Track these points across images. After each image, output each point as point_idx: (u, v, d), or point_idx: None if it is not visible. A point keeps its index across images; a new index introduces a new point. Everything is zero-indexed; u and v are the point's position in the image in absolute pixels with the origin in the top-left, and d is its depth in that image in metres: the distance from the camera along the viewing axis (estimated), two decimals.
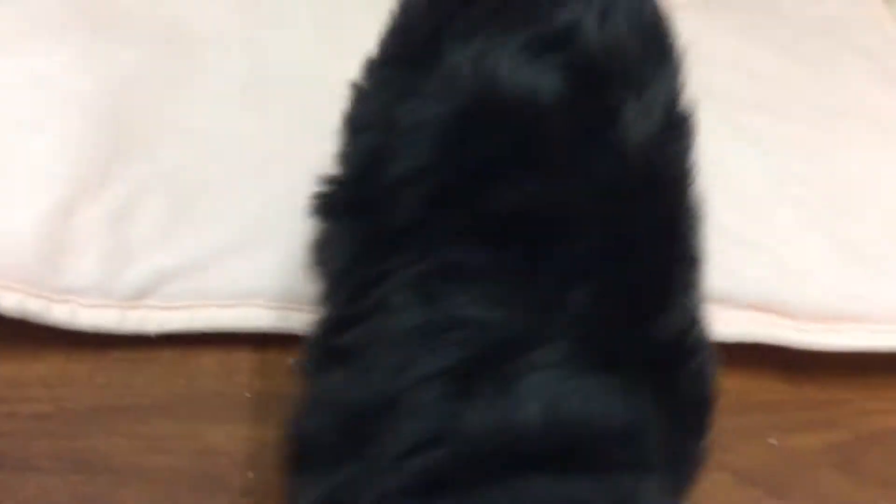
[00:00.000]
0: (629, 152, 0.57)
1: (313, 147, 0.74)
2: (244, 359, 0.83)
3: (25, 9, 0.98)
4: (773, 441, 0.89)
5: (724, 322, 0.89)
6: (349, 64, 0.73)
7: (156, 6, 1.05)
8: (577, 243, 0.53)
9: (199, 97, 0.96)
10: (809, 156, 1.10)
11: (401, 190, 0.58)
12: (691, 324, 0.59)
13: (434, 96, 0.59)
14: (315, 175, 0.70)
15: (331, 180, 0.68)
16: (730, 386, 0.90)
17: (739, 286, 0.92)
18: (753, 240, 0.97)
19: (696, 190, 0.64)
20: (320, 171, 0.70)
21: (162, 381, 0.82)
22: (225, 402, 0.81)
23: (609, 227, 0.54)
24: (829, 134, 1.14)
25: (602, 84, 0.60)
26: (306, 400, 0.60)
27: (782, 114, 1.17)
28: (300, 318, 0.81)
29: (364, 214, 0.61)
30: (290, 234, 0.84)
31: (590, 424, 0.48)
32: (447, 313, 0.51)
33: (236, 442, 0.78)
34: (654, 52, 0.68)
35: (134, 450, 0.76)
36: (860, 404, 0.94)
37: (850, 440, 0.91)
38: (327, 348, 0.60)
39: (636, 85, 0.61)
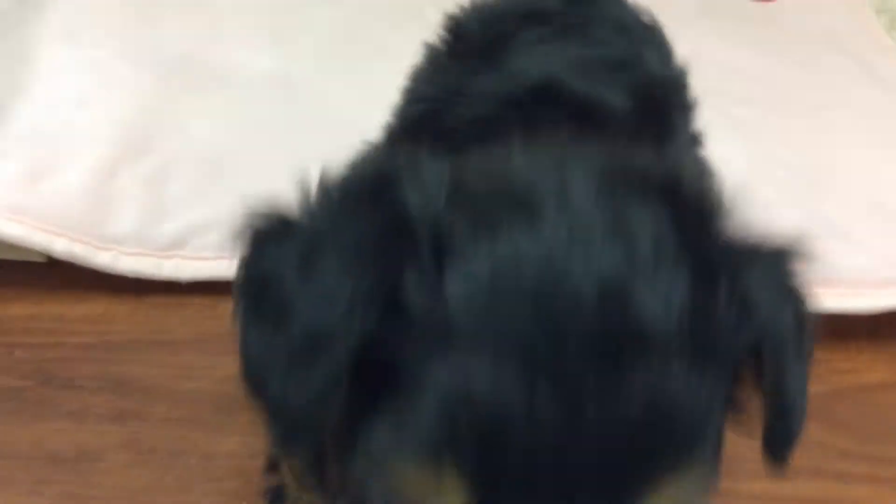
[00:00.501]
0: None
1: (326, 128, 0.84)
2: None
3: (86, 4, 1.11)
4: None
5: None
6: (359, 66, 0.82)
7: (196, 9, 1.18)
8: None
9: (229, 84, 1.08)
10: (793, 143, 1.18)
11: None
12: None
13: None
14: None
15: None
16: None
17: None
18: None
19: None
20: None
21: (192, 322, 0.92)
22: None
23: None
24: (813, 124, 1.22)
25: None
26: None
27: (770, 107, 1.26)
28: None
29: None
30: None
31: None
32: None
33: None
34: None
35: (165, 376, 0.86)
36: (835, 364, 1.01)
37: (824, 392, 0.97)
38: None
39: None
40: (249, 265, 0.43)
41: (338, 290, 0.38)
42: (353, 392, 0.39)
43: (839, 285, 0.99)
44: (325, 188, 0.43)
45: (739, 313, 0.40)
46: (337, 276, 0.38)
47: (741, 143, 1.16)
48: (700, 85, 1.25)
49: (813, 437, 0.88)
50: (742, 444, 0.86)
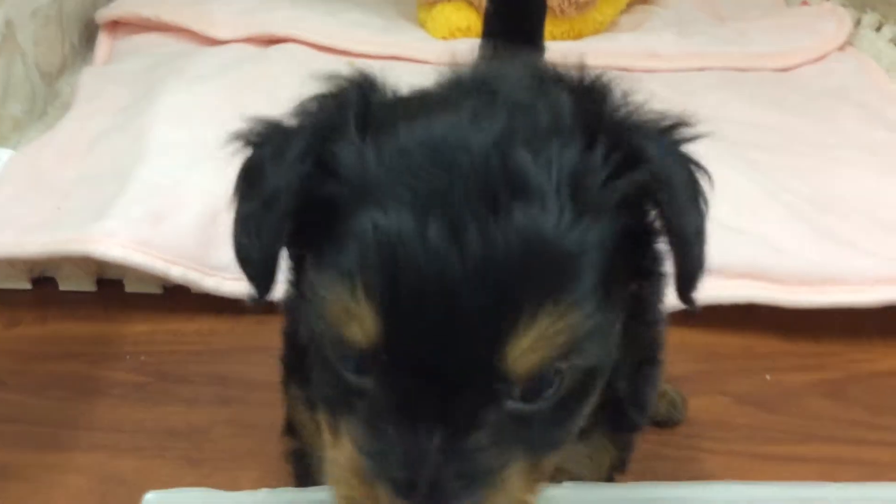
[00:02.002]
0: None
1: None
2: None
3: (191, 98, 1.36)
4: (768, 377, 1.07)
5: (722, 287, 1.12)
6: None
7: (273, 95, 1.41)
8: None
9: None
10: (801, 176, 1.33)
11: None
12: None
13: None
14: None
15: None
16: (734, 343, 1.12)
17: (731, 260, 1.13)
18: (746, 229, 1.19)
19: None
20: None
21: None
22: None
23: None
24: (821, 160, 1.37)
25: None
26: None
27: (783, 150, 1.41)
28: None
29: None
30: None
31: None
32: None
33: None
34: None
35: (260, 372, 1.03)
36: (849, 355, 1.12)
37: (839, 378, 1.08)
38: None
39: None
40: (245, 162, 0.56)
41: (288, 158, 0.51)
42: (302, 245, 0.51)
43: (846, 283, 1.12)
44: (301, 102, 0.56)
45: (622, 166, 0.49)
46: (290, 150, 0.52)
47: (754, 176, 1.32)
48: (719, 137, 1.42)
49: (827, 412, 1.01)
50: (759, 416, 0.99)
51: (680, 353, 1.12)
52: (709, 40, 1.77)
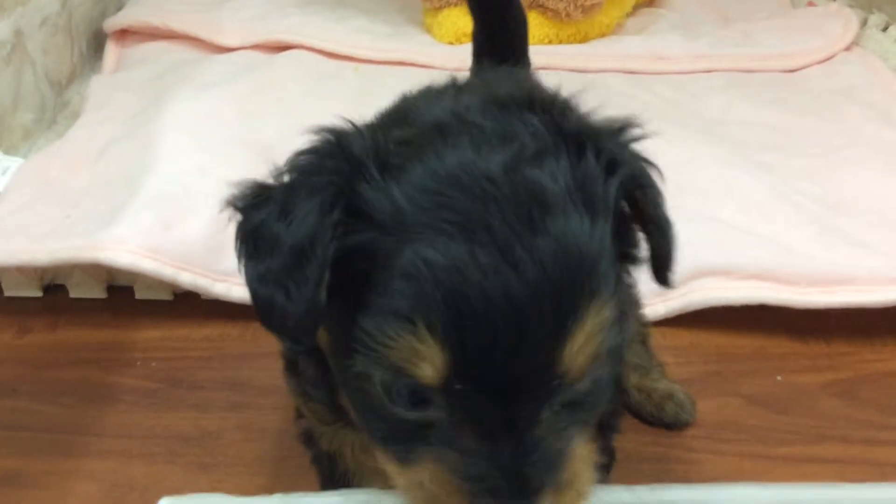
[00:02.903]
0: None
1: None
2: None
3: (200, 105, 1.37)
4: (779, 378, 1.07)
5: (732, 289, 1.12)
6: None
7: (282, 105, 1.42)
8: None
9: None
10: (810, 176, 1.32)
11: None
12: None
13: None
14: None
15: None
16: (747, 344, 1.12)
17: (741, 261, 1.13)
18: (755, 230, 1.19)
19: None
20: None
21: None
22: None
23: None
24: (830, 161, 1.37)
25: None
26: None
27: (791, 151, 1.41)
28: None
29: None
30: None
31: None
32: None
33: None
34: None
35: (271, 377, 1.03)
36: (861, 355, 1.11)
37: (850, 378, 1.07)
38: None
39: None
40: (241, 226, 0.56)
41: (308, 210, 0.51)
42: (341, 296, 0.50)
43: (855, 283, 1.12)
44: (291, 156, 0.56)
45: (607, 169, 0.53)
46: (306, 203, 0.51)
47: (762, 177, 1.32)
48: (727, 138, 1.43)
49: (839, 412, 1.01)
50: (771, 417, 0.98)
51: (691, 355, 1.12)
52: (715, 42, 1.77)
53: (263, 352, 1.08)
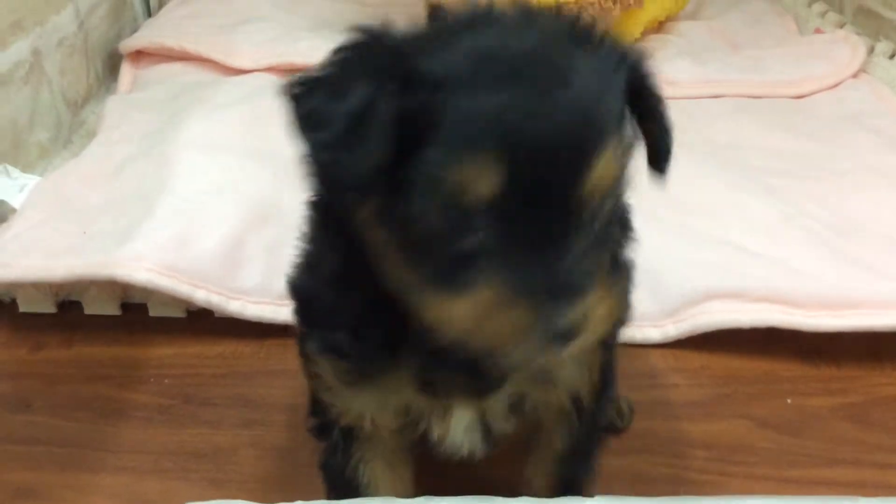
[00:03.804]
0: None
1: None
2: None
3: (215, 125, 1.39)
4: (789, 401, 1.07)
5: (742, 311, 1.13)
6: None
7: None
8: None
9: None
10: (818, 200, 1.33)
11: None
12: None
13: None
14: None
15: None
16: (757, 367, 1.13)
17: (751, 284, 1.14)
18: (765, 253, 1.20)
19: None
20: None
21: None
22: None
23: None
24: (839, 185, 1.37)
25: None
26: None
27: (801, 176, 1.42)
28: None
29: None
30: None
31: None
32: None
33: None
34: None
35: (283, 395, 1.04)
36: (871, 379, 1.11)
37: (861, 401, 1.08)
38: None
39: None
40: (296, 112, 0.60)
41: (362, 84, 0.57)
42: (397, 152, 0.56)
43: (866, 307, 1.12)
44: (329, 55, 0.61)
45: (618, 64, 0.63)
46: (359, 80, 0.57)
47: (771, 201, 1.33)
48: (736, 163, 1.44)
49: (850, 435, 1.01)
50: (782, 440, 0.98)
51: (701, 377, 1.12)
52: (724, 68, 1.78)
53: (276, 369, 1.09)
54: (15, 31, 1.41)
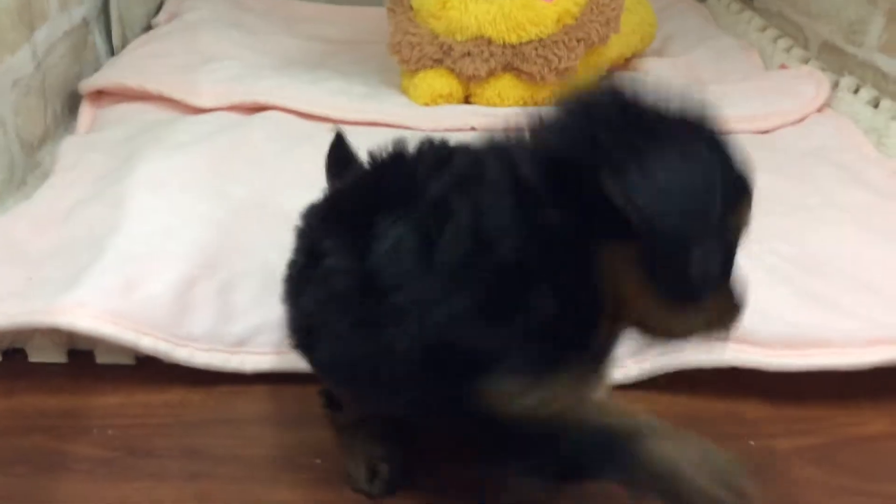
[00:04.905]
0: None
1: None
2: (315, 390, 1.07)
3: (171, 164, 1.36)
4: (752, 442, 1.05)
5: (704, 351, 1.10)
6: None
7: (255, 165, 1.41)
8: None
9: (286, 220, 1.28)
10: (784, 236, 1.32)
11: None
12: None
13: None
14: None
15: None
16: (717, 407, 1.10)
17: None
18: None
19: None
20: None
21: (255, 404, 1.07)
22: (302, 417, 1.04)
23: None
24: (804, 221, 1.36)
25: None
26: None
27: (764, 211, 1.38)
28: None
29: None
30: None
31: None
32: None
33: (309, 439, 1.01)
34: None
35: (231, 445, 1.01)
36: (837, 419, 1.09)
37: (825, 443, 1.05)
38: None
39: None
40: None
41: None
42: None
43: (831, 346, 1.10)
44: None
45: None
46: None
47: None
48: None
49: (815, 478, 0.98)
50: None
51: (664, 418, 1.09)
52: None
53: (225, 419, 1.05)
54: None
